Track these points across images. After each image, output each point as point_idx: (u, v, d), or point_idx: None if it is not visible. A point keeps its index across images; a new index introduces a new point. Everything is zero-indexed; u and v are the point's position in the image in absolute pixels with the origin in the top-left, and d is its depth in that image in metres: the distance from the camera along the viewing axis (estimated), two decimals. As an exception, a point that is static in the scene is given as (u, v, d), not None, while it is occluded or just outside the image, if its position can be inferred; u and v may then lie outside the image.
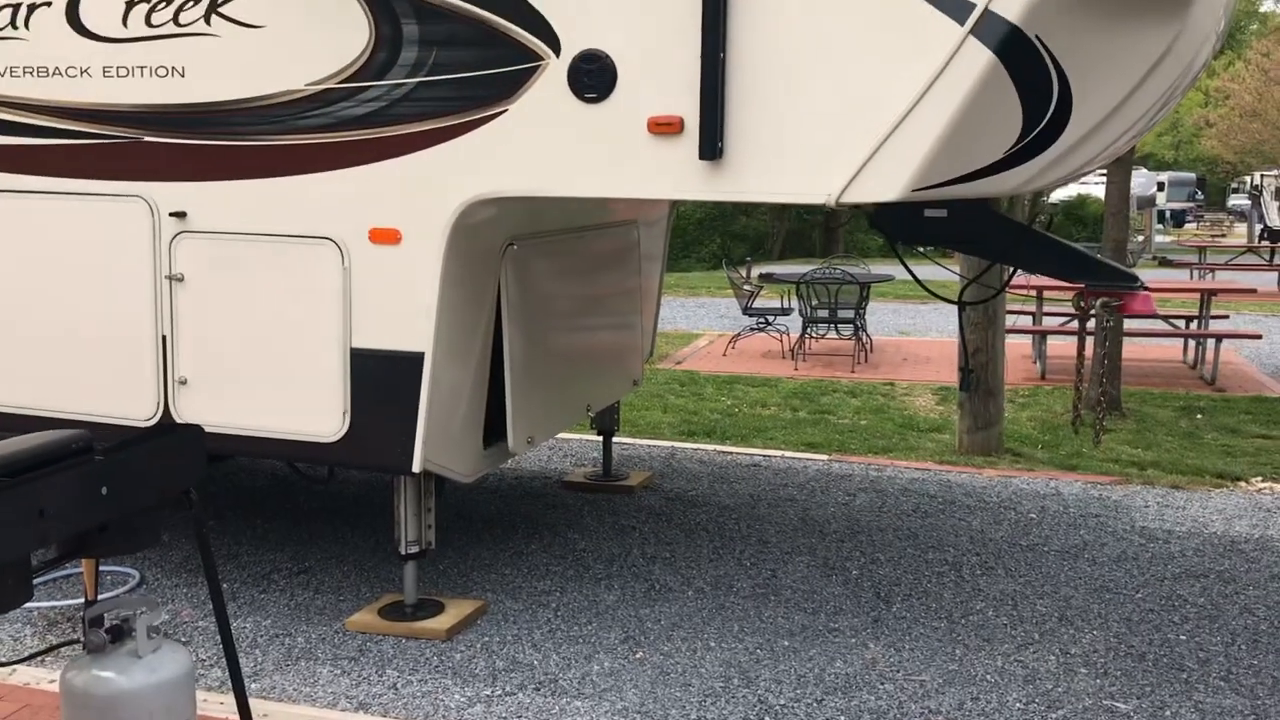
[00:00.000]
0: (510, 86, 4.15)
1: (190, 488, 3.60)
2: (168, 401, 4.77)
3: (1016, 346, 11.42)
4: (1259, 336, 11.41)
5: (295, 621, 4.80)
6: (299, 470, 5.77)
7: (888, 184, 3.89)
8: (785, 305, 12.08)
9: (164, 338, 4.74)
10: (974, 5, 3.69)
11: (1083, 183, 23.20)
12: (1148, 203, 32.61)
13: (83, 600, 4.72)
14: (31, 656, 4.39)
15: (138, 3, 4.58)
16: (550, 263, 5.30)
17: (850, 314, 11.34)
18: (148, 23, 4.58)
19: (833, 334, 11.78)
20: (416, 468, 4.42)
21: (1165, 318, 10.88)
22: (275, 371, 4.60)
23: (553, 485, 6.83)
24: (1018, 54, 3.73)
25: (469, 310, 4.60)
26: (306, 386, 4.56)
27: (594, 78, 4.06)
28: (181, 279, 4.69)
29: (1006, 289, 6.80)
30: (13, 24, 4.77)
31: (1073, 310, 5.24)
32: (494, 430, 4.92)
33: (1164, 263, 23.46)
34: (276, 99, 4.45)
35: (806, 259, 22.44)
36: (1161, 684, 4.28)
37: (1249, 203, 36.63)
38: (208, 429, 4.14)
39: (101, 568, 5.01)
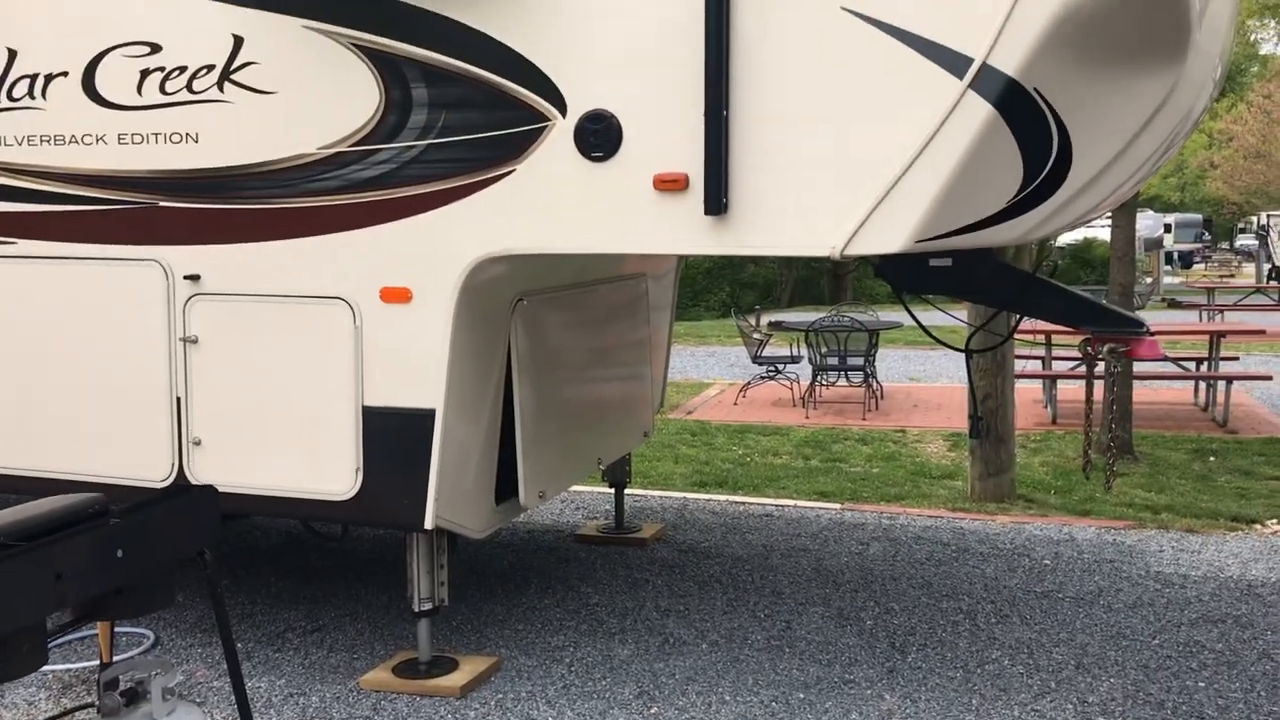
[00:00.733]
0: (518, 147, 4.22)
1: (205, 548, 3.63)
2: (182, 462, 4.81)
3: (1027, 391, 11.43)
4: (1270, 378, 11.38)
5: (310, 680, 4.79)
6: (312, 528, 5.79)
7: (891, 236, 3.93)
8: (795, 353, 12.12)
9: (178, 399, 4.79)
10: (972, 60, 3.75)
11: (1089, 226, 23.25)
12: (1155, 244, 32.69)
13: (97, 663, 4.73)
14: (47, 720, 4.39)
15: (152, 71, 4.68)
16: (560, 317, 5.35)
17: (860, 361, 11.38)
18: (162, 91, 4.68)
19: (843, 381, 11.81)
20: (429, 525, 4.44)
21: (1175, 360, 10.88)
22: (288, 431, 4.64)
23: (565, 539, 6.83)
24: (1017, 106, 3.79)
25: (479, 366, 4.65)
26: (319, 445, 4.59)
27: (600, 137, 4.13)
28: (196, 341, 4.75)
29: (1014, 335, 6.82)
30: (30, 94, 4.88)
31: (1080, 355, 5.26)
32: (506, 485, 4.94)
33: (1173, 304, 23.46)
34: (289, 163, 4.53)
35: (815, 306, 22.53)
36: (1181, 732, 4.25)
37: (1256, 243, 36.69)
38: (221, 489, 4.17)
39: (116, 629, 5.02)
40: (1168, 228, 43.06)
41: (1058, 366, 10.94)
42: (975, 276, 4.72)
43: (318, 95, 4.49)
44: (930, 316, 5.59)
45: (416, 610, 4.72)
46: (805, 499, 7.85)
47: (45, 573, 2.61)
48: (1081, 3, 3.68)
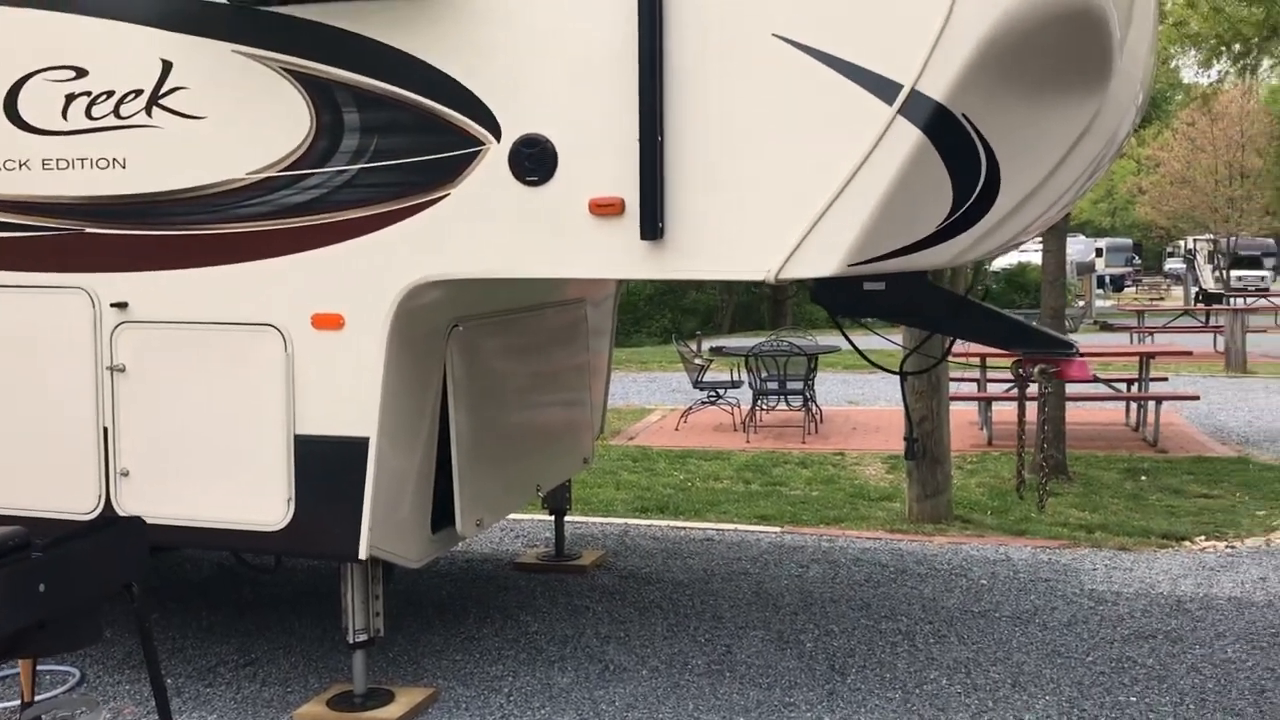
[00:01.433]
0: (452, 171, 4.20)
1: (132, 581, 3.54)
2: (109, 493, 4.70)
3: (963, 413, 11.58)
4: (1197, 398, 11.64)
5: (242, 715, 4.69)
6: (244, 560, 5.68)
7: (825, 260, 3.96)
8: (735, 378, 12.17)
9: (105, 429, 4.69)
10: (901, 86, 3.80)
11: (1022, 250, 23.72)
12: (1087, 268, 33.41)
13: (19, 702, 4.59)
14: (-35, 763, 4.25)
15: (78, 96, 4.60)
16: (497, 343, 5.32)
17: (799, 385, 11.44)
18: (88, 115, 4.60)
19: (783, 405, 11.87)
20: (363, 555, 4.37)
21: (1107, 381, 11.09)
22: (218, 461, 4.55)
23: (504, 567, 6.77)
24: (945, 132, 3.85)
25: (414, 393, 4.60)
26: (249, 475, 4.51)
27: (535, 161, 4.12)
28: (123, 369, 4.65)
29: (949, 357, 6.90)
30: (-50, 119, 4.76)
31: (1013, 377, 5.34)
32: (442, 514, 4.89)
33: (1105, 327, 23.96)
34: (218, 188, 4.47)
35: (756, 331, 22.67)
36: (1115, 748, 4.30)
37: (1184, 266, 37.63)
38: (150, 520, 4.08)
39: (40, 666, 4.88)
40: (1099, 252, 44.11)
41: (992, 388, 11.10)
42: (908, 300, 4.78)
43: (248, 120, 4.44)
44: (866, 340, 5.65)
45: (351, 642, 4.64)
46: (746, 523, 7.86)
47: (-39, 610, 2.53)
48: (1007, 30, 3.75)
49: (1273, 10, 14.35)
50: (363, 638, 4.64)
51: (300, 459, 4.45)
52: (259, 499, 4.51)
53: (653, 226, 4.02)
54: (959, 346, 8.64)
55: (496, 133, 4.15)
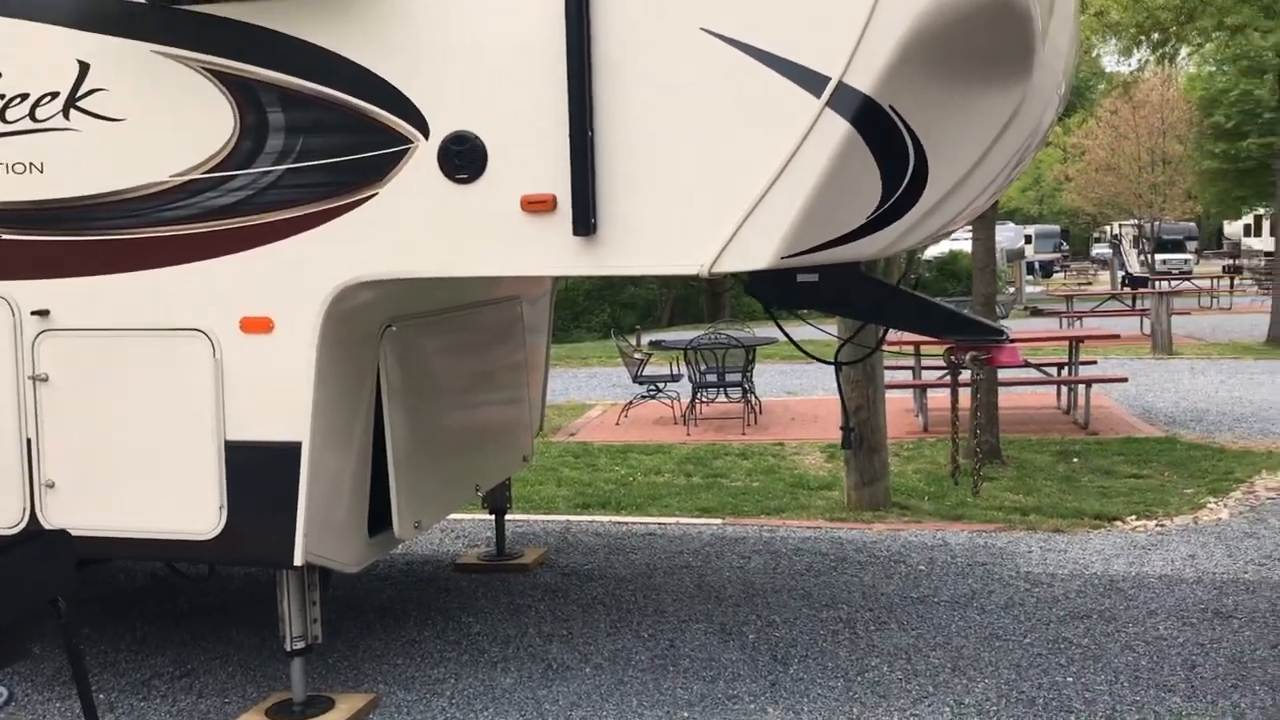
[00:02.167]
0: (380, 170, 4.15)
1: (59, 596, 3.46)
2: (34, 506, 4.58)
3: (899, 401, 11.71)
4: (1125, 380, 11.88)
5: (178, 729, 4.61)
6: (177, 570, 5.58)
7: (757, 252, 3.97)
8: (674, 372, 12.19)
9: (29, 440, 4.56)
10: (829, 79, 3.82)
11: (954, 239, 24.06)
12: (1017, 255, 33.95)
13: (-55, 723, 4.47)
14: (-111, 788, 4.12)
15: (-9, 99, 4.47)
16: (431, 343, 5.27)
17: (738, 377, 11.49)
18: (2, 119, 4.47)
19: (722, 398, 11.91)
20: (298, 561, 4.31)
21: (1037, 366, 11.26)
22: (147, 470, 4.45)
23: (445, 569, 6.72)
24: (873, 123, 3.87)
25: (347, 396, 4.54)
26: (180, 483, 4.43)
27: (464, 159, 4.08)
28: (46, 379, 4.53)
29: (882, 346, 6.98)
30: None
31: (945, 364, 5.40)
32: (380, 517, 4.84)
33: (1035, 312, 24.37)
34: (140, 192, 4.37)
35: (695, 324, 22.73)
36: (1052, 727, 4.37)
37: (1110, 251, 38.37)
38: (78, 533, 4.00)
39: (-34, 687, 4.75)
40: (1028, 239, 44.83)
41: (927, 376, 11.23)
42: (841, 291, 4.82)
43: (170, 122, 4.35)
44: (802, 331, 5.68)
45: (289, 649, 4.57)
46: (687, 516, 7.88)
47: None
48: (931, 22, 3.79)
49: (1188, -2, 14.67)
50: (301, 645, 4.58)
51: (232, 465, 4.37)
52: (190, 507, 4.43)
53: (585, 223, 4.00)
54: (893, 335, 8.73)
55: (425, 130, 4.11)
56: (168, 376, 4.44)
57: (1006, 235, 35.41)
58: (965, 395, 5.45)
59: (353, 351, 4.54)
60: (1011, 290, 27.89)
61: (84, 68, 4.38)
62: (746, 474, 9.22)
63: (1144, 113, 36.41)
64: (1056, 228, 50.23)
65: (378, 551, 5.03)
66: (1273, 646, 5.09)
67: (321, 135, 4.20)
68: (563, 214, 4.03)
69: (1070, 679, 4.83)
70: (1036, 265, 42.13)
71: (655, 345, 12.94)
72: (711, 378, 11.55)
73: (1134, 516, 7.48)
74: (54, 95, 4.42)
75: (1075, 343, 11.49)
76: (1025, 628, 5.45)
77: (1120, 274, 33.15)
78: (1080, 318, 19.94)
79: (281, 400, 4.30)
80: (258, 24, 4.21)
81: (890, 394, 9.69)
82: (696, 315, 28.35)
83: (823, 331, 6.03)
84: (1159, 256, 38.06)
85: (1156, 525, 7.28)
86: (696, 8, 3.88)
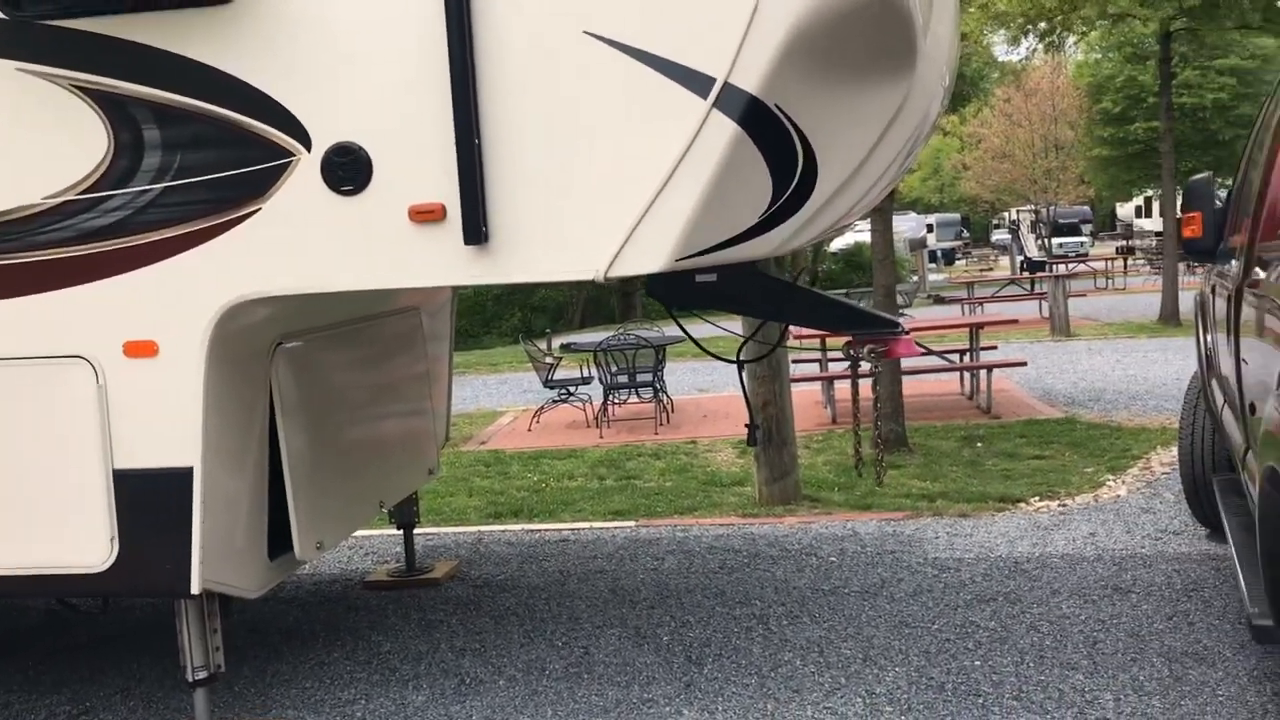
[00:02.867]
0: (261, 185, 4.04)
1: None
2: (-88, 548, 4.37)
3: (809, 394, 11.83)
4: (1024, 363, 12.16)
5: (76, 770, 4.45)
6: (70, 605, 5.39)
7: (652, 255, 3.95)
8: (585, 374, 12.16)
9: (-98, 479, 4.36)
10: (714, 79, 3.81)
11: (858, 230, 24.39)
12: (920, 244, 34.59)
13: None
14: None
15: None
16: (326, 358, 5.16)
17: (649, 377, 11.50)
18: None
19: (634, 398, 11.91)
20: (195, 589, 4.18)
21: (940, 353, 11.47)
22: (30, 503, 4.28)
23: (354, 587, 6.60)
24: (760, 123, 3.88)
25: (239, 417, 4.42)
26: (67, 516, 4.26)
27: (348, 170, 3.99)
28: (-83, 414, 4.33)
29: (786, 342, 7.02)
30: None
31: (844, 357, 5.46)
32: (281, 538, 4.72)
33: (938, 300, 24.83)
34: (10, 216, 4.19)
35: (607, 325, 22.74)
36: (960, 712, 4.43)
37: (1009, 237, 39.29)
38: (-46, 575, 3.82)
39: None
40: (930, 228, 45.72)
41: (833, 368, 11.36)
42: (740, 290, 4.84)
43: (39, 142, 4.18)
44: (706, 330, 5.69)
45: (191, 680, 4.44)
46: (601, 520, 7.86)
47: None
48: (812, 20, 3.80)
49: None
50: (203, 675, 4.45)
51: (121, 495, 4.22)
52: (79, 540, 4.26)
53: (476, 231, 3.94)
54: (797, 330, 8.82)
55: (306, 143, 4.01)
56: (49, 406, 4.27)
57: (908, 225, 36.08)
58: (867, 387, 5.52)
59: (243, 371, 4.43)
60: (914, 279, 28.42)
61: (-56, 88, 4.19)
62: (660, 474, 9.23)
63: (1035, 100, 37.36)
64: (957, 216, 51.33)
65: (280, 574, 4.91)
66: (1169, 618, 5.24)
67: (200, 151, 4.07)
68: (453, 223, 3.97)
69: (978, 662, 4.91)
70: (939, 253, 42.99)
71: (566, 348, 12.89)
72: (623, 379, 11.55)
73: (1037, 498, 7.65)
74: (-87, 117, 4.22)
75: (976, 329, 11.72)
76: (934, 614, 5.53)
77: (1019, 259, 33.97)
78: (981, 304, 20.37)
79: (170, 425, 4.17)
80: (127, 38, 4.07)
81: (799, 386, 9.79)
82: (608, 316, 28.36)
83: (725, 330, 6.04)
84: (1056, 240, 39.10)
85: (1059, 505, 7.45)
86: (579, 12, 3.84)
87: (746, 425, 5.93)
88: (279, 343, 4.63)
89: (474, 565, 6.87)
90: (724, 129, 3.84)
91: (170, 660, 5.19)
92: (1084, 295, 23.42)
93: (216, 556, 4.26)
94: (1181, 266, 19.33)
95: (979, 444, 9.48)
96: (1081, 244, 40.36)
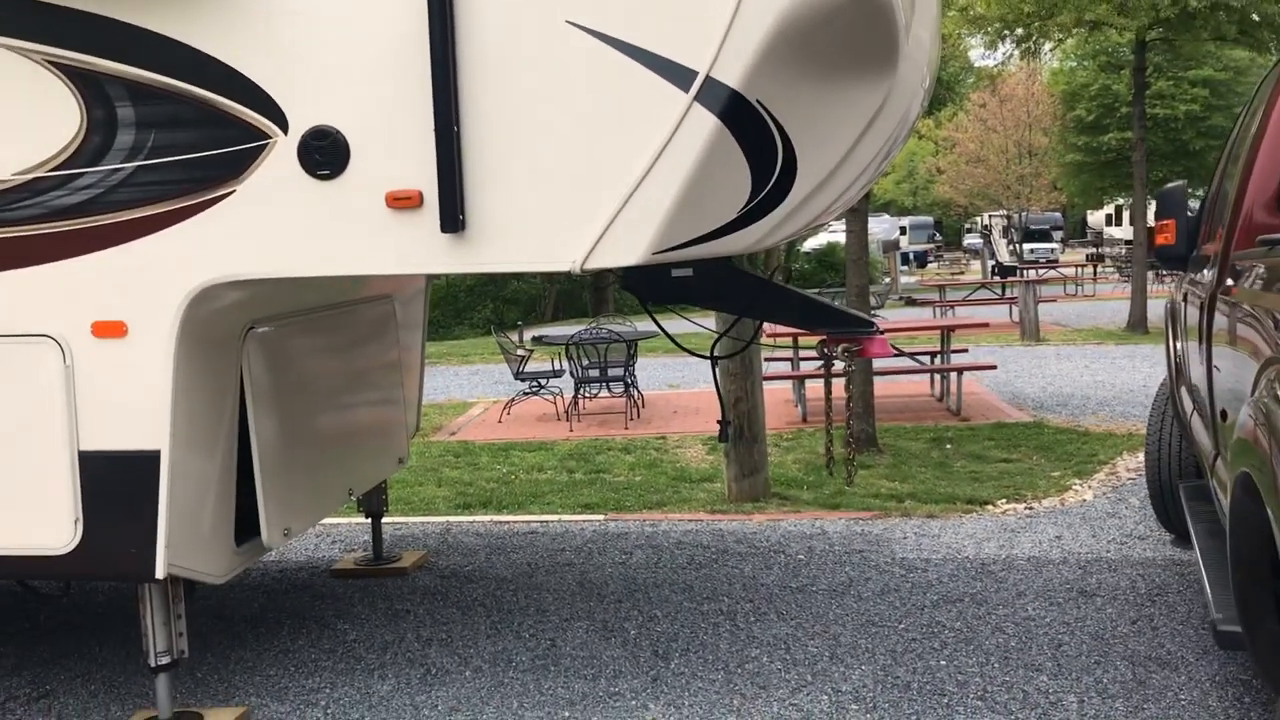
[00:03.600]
0: (237, 167, 4.00)
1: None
2: None
3: (780, 391, 11.86)
4: (994, 367, 12.24)
5: (34, 754, 4.39)
6: (31, 587, 5.32)
7: (629, 248, 3.94)
8: (557, 367, 12.13)
9: None
10: (696, 73, 3.80)
11: (832, 231, 24.48)
12: (893, 246, 34.75)
13: None
14: None
15: None
16: (298, 344, 5.11)
17: (620, 372, 11.49)
18: None
19: (605, 392, 11.90)
20: (160, 574, 4.14)
21: (911, 355, 11.52)
22: (-7, 483, 4.22)
23: (321, 575, 6.55)
24: (741, 118, 3.88)
25: (209, 401, 4.38)
26: (31, 496, 4.21)
27: (326, 154, 3.96)
28: (-121, 390, 4.26)
29: (759, 339, 7.04)
30: None
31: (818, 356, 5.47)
32: (247, 524, 4.68)
33: (910, 302, 24.93)
34: (-21, 190, 4.14)
35: (579, 319, 22.68)
36: (925, 711, 4.45)
37: (981, 241, 39.54)
38: (-87, 554, 3.77)
39: None
40: (903, 230, 45.95)
41: (805, 366, 11.40)
42: (716, 285, 4.83)
43: (10, 117, 4.12)
44: (680, 325, 5.68)
45: (153, 665, 4.40)
46: (569, 513, 7.84)
47: None
48: (796, 17, 3.80)
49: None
50: (166, 660, 4.40)
51: (87, 477, 4.17)
52: (43, 521, 4.21)
53: (453, 219, 3.92)
54: (770, 328, 8.83)
55: (284, 125, 3.97)
56: (15, 385, 4.21)
57: (882, 227, 36.23)
58: (839, 386, 5.53)
59: (213, 354, 4.38)
60: (887, 281, 28.54)
61: (-86, 60, 4.12)
62: (629, 469, 9.22)
63: (1010, 106, 37.58)
64: (930, 219, 51.62)
65: (245, 560, 4.87)
66: (1133, 622, 5.29)
67: (174, 130, 4.03)
68: (429, 210, 3.94)
69: (944, 663, 4.93)
70: (911, 256, 43.19)
71: (538, 340, 12.86)
72: (594, 373, 11.53)
73: (1004, 500, 7.69)
74: (-119, 89, 4.15)
75: (947, 331, 11.78)
76: (900, 614, 5.55)
77: (990, 263, 34.18)
78: (953, 307, 20.49)
79: (138, 407, 4.12)
80: (104, 14, 4.01)
81: (770, 384, 9.80)
82: (581, 310, 28.30)
83: (699, 326, 6.04)
84: (1027, 246, 39.35)
85: (1025, 508, 7.50)
86: (562, 1, 3.83)
87: (718, 421, 5.93)
88: (251, 327, 4.58)
89: (442, 555, 6.84)
90: (705, 123, 3.83)
91: (133, 645, 5.15)
92: (1054, 301, 23.61)
93: (182, 541, 4.22)
94: (1150, 275, 19.51)
95: (948, 445, 9.53)
96: (1052, 250, 40.63)
